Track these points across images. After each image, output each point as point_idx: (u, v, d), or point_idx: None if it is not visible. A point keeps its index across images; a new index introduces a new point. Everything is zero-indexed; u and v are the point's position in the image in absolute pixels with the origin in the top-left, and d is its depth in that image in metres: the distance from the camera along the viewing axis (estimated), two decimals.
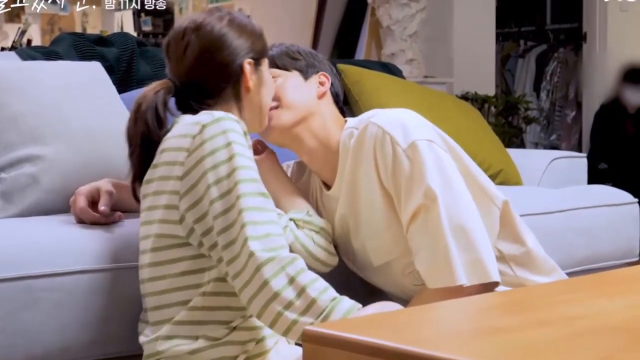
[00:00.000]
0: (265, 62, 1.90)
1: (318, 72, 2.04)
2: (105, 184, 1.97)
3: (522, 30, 7.20)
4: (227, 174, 1.65)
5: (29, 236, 1.87)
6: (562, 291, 1.33)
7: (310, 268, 1.94)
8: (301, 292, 1.60)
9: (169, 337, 1.70)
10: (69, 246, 1.85)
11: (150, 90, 1.79)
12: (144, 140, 1.75)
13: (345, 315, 1.60)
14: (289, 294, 1.60)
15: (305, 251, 1.93)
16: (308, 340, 1.01)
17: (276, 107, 1.97)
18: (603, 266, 2.77)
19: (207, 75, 1.82)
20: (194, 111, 1.79)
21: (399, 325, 1.08)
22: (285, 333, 1.62)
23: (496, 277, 1.82)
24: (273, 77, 1.98)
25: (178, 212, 1.68)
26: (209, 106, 1.80)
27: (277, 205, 1.96)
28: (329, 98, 2.04)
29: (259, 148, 2.06)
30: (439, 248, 1.80)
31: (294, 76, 2.01)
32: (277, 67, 2.01)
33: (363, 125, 1.91)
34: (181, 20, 1.88)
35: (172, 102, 1.83)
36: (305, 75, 2.02)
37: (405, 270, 1.94)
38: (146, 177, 1.75)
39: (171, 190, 1.69)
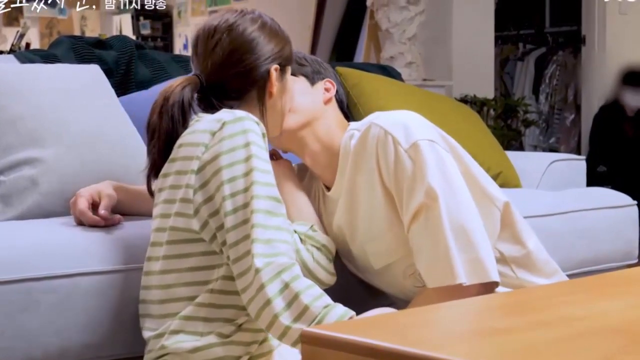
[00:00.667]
0: (289, 69, 1.92)
1: (323, 78, 2.06)
2: (106, 187, 1.97)
3: (521, 33, 7.21)
4: (243, 173, 1.66)
5: (28, 239, 1.86)
6: (562, 292, 1.33)
7: None
8: (294, 298, 1.61)
9: (175, 332, 1.71)
10: (68, 249, 1.84)
11: (177, 85, 1.79)
12: (168, 135, 1.76)
13: (337, 321, 1.60)
14: (283, 299, 1.61)
15: (303, 267, 1.94)
16: (307, 342, 1.01)
17: None
18: (602, 268, 2.77)
19: (234, 77, 1.82)
20: (215, 109, 1.79)
21: (397, 327, 1.08)
22: (280, 337, 1.63)
23: (496, 277, 1.83)
24: None
25: (192, 205, 1.69)
26: (231, 107, 1.81)
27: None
28: (334, 104, 2.06)
29: (274, 155, 2.08)
30: (439, 247, 1.81)
31: (301, 81, 2.03)
32: None
33: (365, 126, 1.92)
34: (212, 18, 1.88)
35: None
36: (312, 81, 2.04)
37: (407, 272, 1.94)
38: (163, 170, 1.76)
39: (187, 183, 1.70)
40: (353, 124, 2.03)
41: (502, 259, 1.96)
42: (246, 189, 1.66)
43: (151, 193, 1.81)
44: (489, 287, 1.83)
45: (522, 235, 2.00)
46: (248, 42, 1.83)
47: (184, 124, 1.77)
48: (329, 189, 2.04)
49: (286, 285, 1.61)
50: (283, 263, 1.62)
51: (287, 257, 1.64)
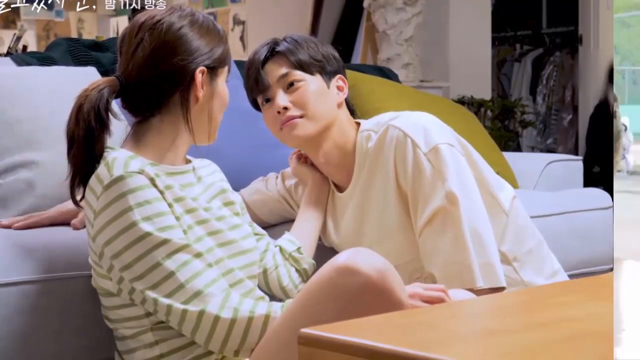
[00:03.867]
0: (223, 72, 1.76)
1: (336, 73, 2.01)
2: (58, 208, 2.00)
3: (518, 34, 7.21)
4: (127, 245, 1.59)
5: (25, 241, 1.86)
6: (558, 293, 1.33)
7: (275, 299, 1.89)
8: (248, 324, 1.59)
9: None
10: (65, 251, 1.84)
11: (93, 88, 1.66)
12: (87, 143, 1.63)
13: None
14: (236, 334, 1.59)
15: (277, 281, 1.94)
16: (304, 343, 1.00)
17: (300, 117, 1.94)
18: (599, 270, 2.77)
19: (156, 79, 1.68)
20: (138, 113, 1.72)
21: (395, 328, 1.08)
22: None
23: (504, 283, 1.85)
24: (297, 80, 1.94)
25: (102, 269, 1.65)
26: (153, 116, 1.71)
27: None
28: (344, 103, 2.03)
29: (302, 157, 2.10)
30: (458, 250, 1.82)
31: (317, 81, 1.97)
32: (302, 69, 1.96)
33: (382, 128, 1.92)
34: (141, 14, 1.73)
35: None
36: (328, 80, 1.99)
37: (413, 275, 1.93)
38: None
39: (91, 247, 1.66)
40: (365, 123, 2.01)
41: (504, 259, 1.97)
42: (141, 257, 1.59)
43: (76, 203, 1.69)
44: (496, 292, 1.85)
45: (526, 235, 2.01)
46: (172, 41, 1.68)
47: (103, 130, 1.64)
48: (338, 187, 2.04)
49: (233, 321, 1.58)
50: (214, 304, 1.58)
51: (215, 296, 1.59)
